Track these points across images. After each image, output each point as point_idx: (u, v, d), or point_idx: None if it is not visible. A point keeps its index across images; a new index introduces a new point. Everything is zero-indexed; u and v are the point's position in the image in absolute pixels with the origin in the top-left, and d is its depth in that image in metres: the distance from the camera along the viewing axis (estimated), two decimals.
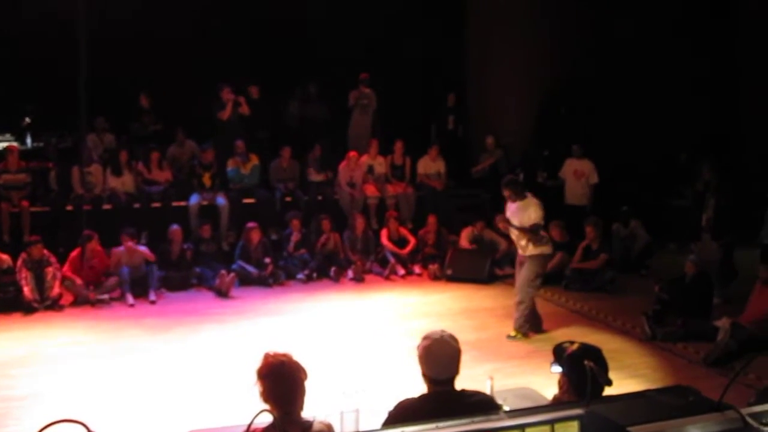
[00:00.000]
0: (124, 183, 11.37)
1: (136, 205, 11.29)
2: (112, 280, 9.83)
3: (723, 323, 7.72)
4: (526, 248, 8.15)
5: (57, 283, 9.47)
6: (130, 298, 9.64)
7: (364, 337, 8.27)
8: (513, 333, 8.23)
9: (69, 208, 11.00)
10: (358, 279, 10.83)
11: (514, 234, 8.23)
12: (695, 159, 10.98)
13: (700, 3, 12.18)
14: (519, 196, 8.16)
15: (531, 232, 8.02)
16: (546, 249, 8.23)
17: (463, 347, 3.61)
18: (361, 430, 3.46)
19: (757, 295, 8.07)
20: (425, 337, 3.58)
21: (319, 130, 12.88)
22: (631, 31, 12.27)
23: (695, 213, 10.00)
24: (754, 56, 11.53)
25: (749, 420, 2.53)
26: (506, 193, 8.22)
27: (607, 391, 3.34)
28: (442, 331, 3.61)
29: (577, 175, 12.23)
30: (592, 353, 3.47)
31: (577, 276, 10.42)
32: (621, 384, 3.70)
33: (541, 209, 8.08)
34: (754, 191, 9.31)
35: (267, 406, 3.24)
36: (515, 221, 8.14)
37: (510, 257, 11.01)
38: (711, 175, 9.81)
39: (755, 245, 9.58)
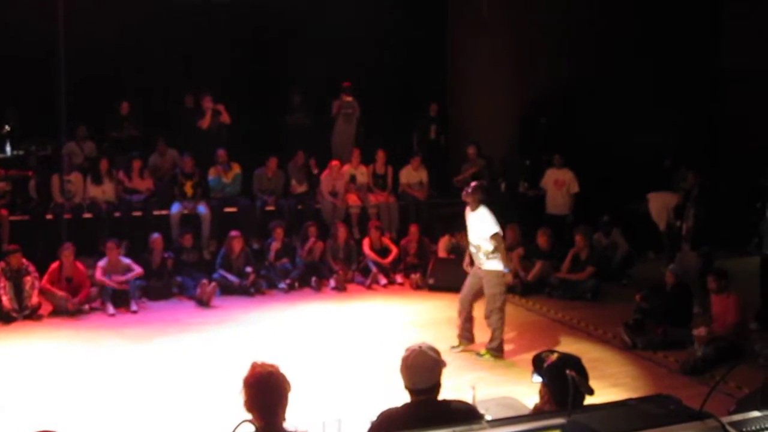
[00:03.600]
0: (104, 192, 11.28)
1: (117, 214, 11.19)
2: (93, 291, 9.74)
3: (699, 332, 7.78)
4: (483, 261, 7.84)
5: (36, 293, 9.37)
6: (110, 308, 9.56)
7: (346, 347, 8.25)
8: (483, 352, 7.97)
9: (49, 216, 10.90)
10: (340, 288, 10.81)
11: (474, 244, 7.91)
12: (678, 165, 11.03)
13: (680, 7, 12.27)
14: (476, 205, 7.85)
15: (494, 243, 7.69)
16: (501, 266, 7.80)
17: (445, 357, 3.63)
18: None
19: (716, 305, 8.13)
20: (405, 350, 3.63)
21: (303, 139, 12.85)
22: (613, 38, 12.35)
23: (675, 222, 10.09)
24: (737, 59, 11.61)
25: (729, 429, 2.54)
26: (468, 199, 7.89)
27: (589, 401, 3.35)
28: (422, 342, 3.65)
29: (558, 185, 12.30)
30: (572, 363, 3.48)
31: (560, 284, 10.46)
32: (602, 393, 3.72)
33: (496, 223, 7.74)
34: (738, 199, 9.35)
35: (249, 415, 3.25)
36: (472, 231, 7.90)
37: None
38: (694, 183, 9.85)
39: (737, 254, 9.66)
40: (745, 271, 9.46)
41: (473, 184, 8.12)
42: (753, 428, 2.60)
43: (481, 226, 7.78)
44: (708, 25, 12.34)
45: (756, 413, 2.71)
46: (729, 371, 6.54)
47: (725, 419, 2.61)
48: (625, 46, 12.36)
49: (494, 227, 7.70)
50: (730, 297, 8.05)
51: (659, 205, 11.21)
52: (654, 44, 12.22)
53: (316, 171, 12.32)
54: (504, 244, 7.96)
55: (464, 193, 7.99)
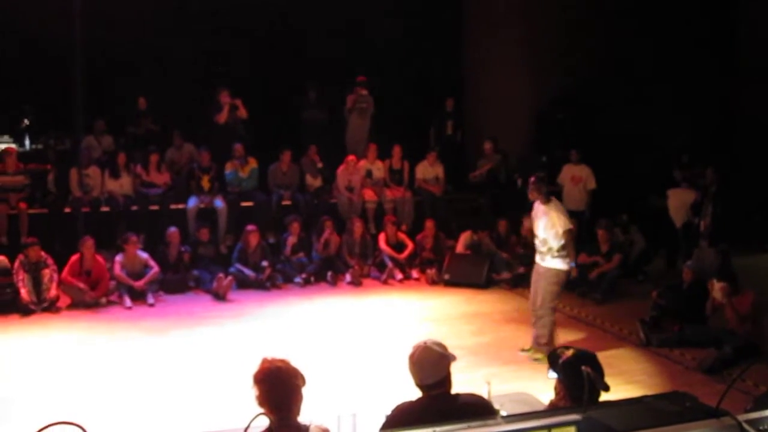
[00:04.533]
0: (122, 185, 11.35)
1: (134, 208, 11.26)
2: (111, 284, 9.82)
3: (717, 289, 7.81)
4: (544, 257, 7.62)
5: (54, 285, 9.46)
6: (127, 301, 9.62)
7: (361, 341, 8.26)
8: (528, 347, 7.84)
9: (67, 210, 10.98)
10: (356, 283, 10.82)
11: (539, 237, 7.64)
12: (696, 162, 10.93)
13: (699, 3, 12.16)
14: (543, 197, 7.56)
15: (563, 239, 7.40)
16: (563, 265, 7.56)
17: (460, 352, 3.69)
18: None
19: (727, 308, 8.05)
20: (411, 347, 3.66)
21: (318, 134, 12.88)
22: (630, 34, 12.26)
23: (693, 219, 10.02)
24: (755, 56, 11.48)
25: (746, 426, 2.53)
26: (535, 193, 7.59)
27: (604, 397, 3.35)
28: (428, 338, 3.68)
29: (575, 181, 12.25)
30: (588, 359, 3.48)
31: (584, 279, 10.30)
32: (617, 390, 3.71)
33: (564, 215, 7.50)
34: (756, 197, 9.26)
35: (263, 411, 3.25)
36: (537, 225, 7.63)
37: (506, 263, 11.09)
38: (712, 180, 9.78)
39: (756, 252, 9.57)
40: (764, 269, 9.38)
41: (533, 177, 7.75)
42: None
43: (552, 220, 7.46)
44: (727, 22, 12.21)
45: None
46: (746, 369, 6.56)
47: (741, 417, 2.60)
48: (644, 43, 12.26)
49: (568, 223, 7.45)
50: (745, 295, 7.99)
51: (678, 202, 11.13)
52: (673, 40, 12.12)
53: (320, 165, 12.30)
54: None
55: (530, 188, 7.63)
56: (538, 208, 7.66)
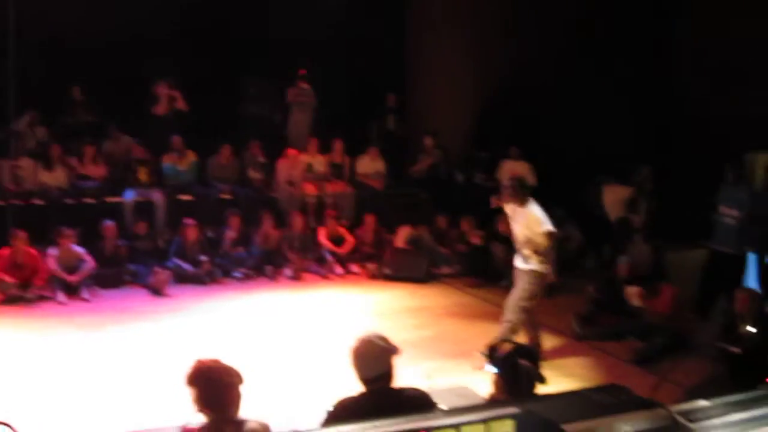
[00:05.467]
0: (56, 178, 11.07)
1: (69, 201, 10.99)
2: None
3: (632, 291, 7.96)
4: (527, 258, 7.35)
5: None
6: (61, 296, 9.39)
7: (302, 336, 8.21)
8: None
9: None
10: (296, 277, 10.76)
11: (520, 238, 7.37)
12: (635, 159, 11.12)
13: (637, 6, 12.35)
14: (524, 200, 7.32)
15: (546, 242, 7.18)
16: (544, 268, 7.32)
17: (402, 346, 3.66)
18: (299, 429, 3.47)
19: (647, 311, 8.31)
20: (354, 341, 3.67)
21: (259, 128, 12.76)
22: (571, 32, 12.41)
23: (628, 215, 10.23)
24: (694, 58, 11.72)
25: (678, 417, 2.60)
26: (510, 197, 7.36)
27: (542, 390, 3.40)
28: (370, 332, 3.70)
29: None
30: (525, 353, 3.54)
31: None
32: (555, 383, 3.79)
33: (544, 215, 7.25)
34: (691, 194, 9.49)
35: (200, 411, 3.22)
36: (521, 228, 7.34)
37: (446, 258, 11.17)
38: (647, 177, 9.99)
39: (688, 247, 9.80)
40: (693, 264, 9.63)
41: (510, 178, 7.59)
42: (700, 417, 2.67)
43: (534, 218, 7.23)
44: (667, 22, 12.43)
45: (704, 402, 2.80)
46: (677, 362, 6.79)
47: (674, 408, 2.67)
48: (587, 41, 12.41)
49: (548, 224, 7.22)
50: (664, 293, 8.25)
51: (612, 197, 11.35)
52: (615, 36, 12.27)
53: (262, 160, 12.19)
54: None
55: (505, 190, 7.43)
56: (515, 210, 7.41)
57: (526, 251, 7.32)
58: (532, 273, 7.33)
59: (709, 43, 11.34)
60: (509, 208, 7.48)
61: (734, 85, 10.57)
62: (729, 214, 8.95)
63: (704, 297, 8.52)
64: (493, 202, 7.91)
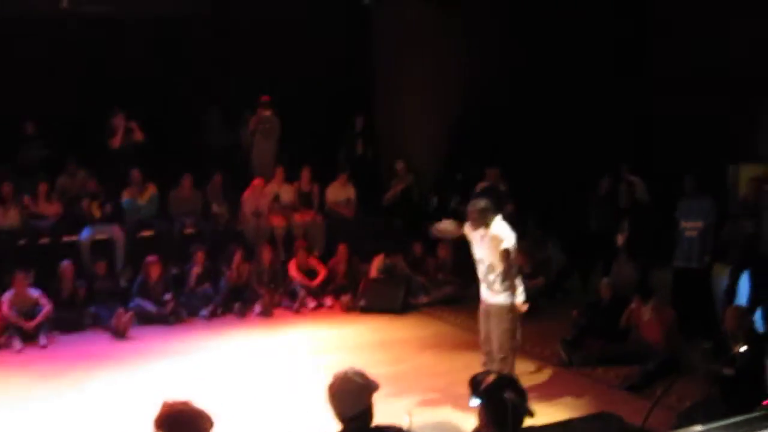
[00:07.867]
0: (8, 217, 10.62)
1: (22, 242, 10.60)
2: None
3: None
4: (492, 288, 6.82)
5: None
6: (17, 343, 8.96)
7: (274, 377, 7.97)
8: None
9: None
10: (267, 314, 10.37)
11: (483, 264, 6.91)
12: (617, 180, 10.98)
13: (613, 25, 12.30)
14: (489, 219, 6.82)
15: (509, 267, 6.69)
16: (512, 299, 6.79)
17: (380, 381, 3.54)
18: None
19: (644, 322, 8.07)
20: (331, 377, 3.56)
21: (222, 158, 12.49)
22: (545, 53, 12.30)
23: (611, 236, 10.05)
24: (669, 75, 11.65)
25: None
26: (475, 216, 6.86)
27: (530, 422, 3.31)
28: (348, 368, 3.58)
29: None
30: (509, 384, 3.43)
31: None
32: (543, 413, 3.68)
33: (509, 231, 6.77)
34: (667, 212, 9.43)
35: None
36: (483, 251, 6.85)
37: (423, 286, 10.87)
38: (627, 199, 9.93)
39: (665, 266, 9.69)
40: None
41: (476, 207, 6.94)
42: None
43: (496, 239, 6.73)
44: (639, 28, 12.38)
45: (698, 427, 2.79)
46: (669, 386, 6.67)
47: None
48: (559, 58, 12.29)
49: (510, 242, 6.67)
50: (666, 310, 8.09)
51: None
52: (587, 51, 12.19)
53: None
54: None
55: (472, 216, 6.89)
56: (483, 235, 6.88)
57: (492, 277, 6.83)
58: (504, 308, 6.83)
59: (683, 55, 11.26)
60: (477, 235, 6.96)
61: (699, 95, 10.50)
62: (692, 227, 8.94)
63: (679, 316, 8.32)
64: (460, 230, 7.28)
